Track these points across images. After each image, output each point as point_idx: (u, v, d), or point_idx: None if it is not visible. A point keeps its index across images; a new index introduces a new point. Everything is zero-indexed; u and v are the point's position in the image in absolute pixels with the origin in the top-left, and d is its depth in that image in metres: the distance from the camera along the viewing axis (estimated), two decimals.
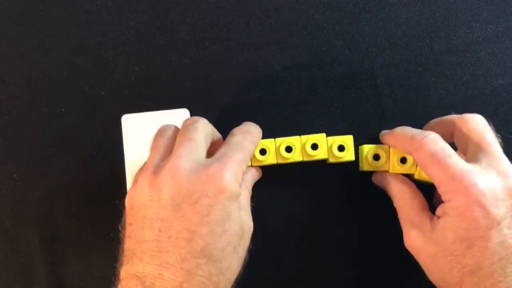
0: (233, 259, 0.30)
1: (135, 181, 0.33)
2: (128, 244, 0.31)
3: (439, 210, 0.32)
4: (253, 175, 0.38)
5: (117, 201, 0.35)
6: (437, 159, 0.31)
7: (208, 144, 0.34)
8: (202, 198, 0.29)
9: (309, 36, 0.42)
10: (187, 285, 0.28)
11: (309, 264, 0.40)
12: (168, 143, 0.34)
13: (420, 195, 0.35)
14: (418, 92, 0.41)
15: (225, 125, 0.39)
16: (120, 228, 0.33)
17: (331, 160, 0.38)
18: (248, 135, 0.34)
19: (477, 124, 0.33)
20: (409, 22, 0.42)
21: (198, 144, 0.32)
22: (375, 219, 0.40)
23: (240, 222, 0.31)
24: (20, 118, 0.42)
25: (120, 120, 0.40)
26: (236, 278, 0.32)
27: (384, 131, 0.39)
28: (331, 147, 0.38)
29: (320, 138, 0.38)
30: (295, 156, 0.38)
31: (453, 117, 0.35)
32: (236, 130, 0.35)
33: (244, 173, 0.34)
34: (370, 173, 0.39)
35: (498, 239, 0.29)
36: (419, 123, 0.40)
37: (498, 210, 0.29)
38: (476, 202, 0.29)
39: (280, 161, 0.38)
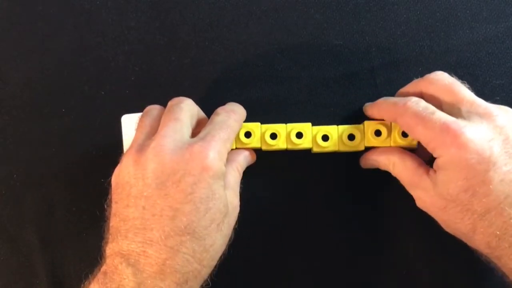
0: (217, 237, 0.30)
1: (121, 160, 0.33)
2: (113, 222, 0.31)
3: (434, 165, 0.32)
4: (246, 158, 0.37)
5: (102, 180, 0.35)
6: (421, 118, 0.32)
7: (194, 124, 0.34)
8: (186, 176, 0.30)
9: (309, 36, 0.42)
10: (171, 261, 0.29)
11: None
12: (153, 123, 0.34)
13: (409, 154, 0.35)
14: None
15: None
16: (105, 206, 0.33)
17: (315, 149, 0.38)
18: (233, 113, 0.35)
19: (441, 80, 0.34)
20: (409, 22, 0.42)
21: (183, 124, 0.32)
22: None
23: (224, 200, 0.31)
24: (20, 118, 0.42)
25: (120, 120, 0.40)
26: (221, 256, 0.32)
27: (367, 104, 0.39)
28: (315, 136, 0.38)
29: (305, 127, 0.38)
30: (280, 144, 0.38)
31: (417, 81, 0.36)
32: (220, 109, 0.35)
33: (236, 154, 0.36)
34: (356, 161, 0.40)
35: (498, 178, 0.29)
36: None
37: (491, 151, 0.30)
38: (467, 150, 0.30)
39: (265, 148, 0.38)
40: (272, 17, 0.42)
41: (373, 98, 0.41)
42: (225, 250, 0.33)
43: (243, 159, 0.37)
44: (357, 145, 0.37)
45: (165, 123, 0.32)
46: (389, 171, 0.36)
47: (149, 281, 0.28)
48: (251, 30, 0.42)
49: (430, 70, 0.41)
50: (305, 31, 0.42)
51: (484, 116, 0.31)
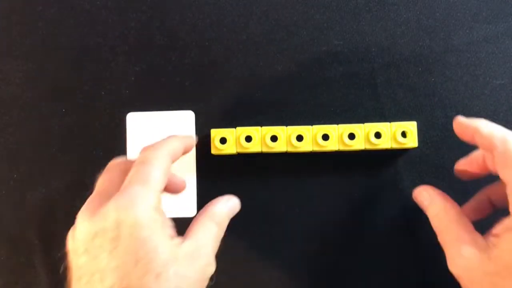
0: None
1: None
2: None
3: (498, 227, 0.29)
4: (229, 208, 0.33)
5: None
6: None
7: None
8: (106, 233, 0.28)
9: (309, 36, 0.42)
10: None
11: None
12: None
13: (465, 217, 0.32)
14: (419, 92, 0.41)
15: (225, 125, 0.40)
16: None
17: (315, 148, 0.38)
18: (151, 149, 0.32)
19: None
20: (409, 22, 0.42)
21: (106, 182, 0.32)
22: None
23: (163, 248, 0.28)
24: (20, 118, 0.42)
25: (120, 119, 0.40)
26: None
27: (460, 119, 0.33)
28: (315, 135, 0.38)
29: (305, 130, 0.38)
30: (280, 146, 0.38)
31: (500, 143, 0.30)
32: (141, 150, 0.32)
33: (213, 205, 0.32)
34: (358, 162, 0.39)
35: None
36: (419, 123, 0.40)
37: None
38: None
39: (265, 150, 0.38)
40: (272, 17, 0.42)
41: (373, 98, 0.41)
42: None
43: (226, 210, 0.33)
44: (356, 144, 0.38)
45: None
46: (435, 217, 0.33)
47: None
48: (251, 30, 0.42)
49: (430, 70, 0.41)
50: (305, 31, 0.42)
51: None
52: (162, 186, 0.30)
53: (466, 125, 0.32)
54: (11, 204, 0.41)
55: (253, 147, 0.38)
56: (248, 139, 0.38)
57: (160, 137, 0.36)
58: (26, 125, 0.42)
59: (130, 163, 0.32)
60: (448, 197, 0.33)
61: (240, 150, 0.39)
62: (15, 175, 0.42)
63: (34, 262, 0.41)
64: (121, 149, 0.41)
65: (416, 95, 0.41)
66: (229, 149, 0.39)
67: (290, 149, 0.38)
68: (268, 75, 0.41)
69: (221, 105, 0.41)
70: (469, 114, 0.40)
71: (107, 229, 0.28)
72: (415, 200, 0.35)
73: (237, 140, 0.39)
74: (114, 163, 0.33)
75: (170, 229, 0.29)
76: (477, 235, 0.30)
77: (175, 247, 0.29)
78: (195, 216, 0.32)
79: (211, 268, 0.30)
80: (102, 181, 0.32)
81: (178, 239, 0.29)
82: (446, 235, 0.31)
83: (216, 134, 0.39)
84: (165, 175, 0.31)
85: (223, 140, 0.39)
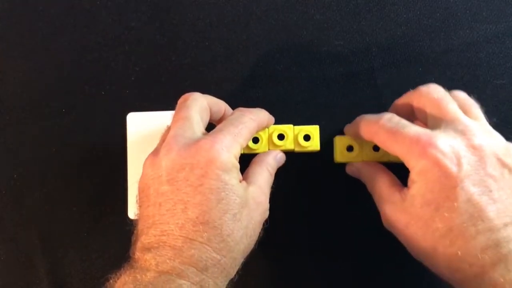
0: (235, 227, 0.30)
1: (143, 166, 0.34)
2: (139, 225, 0.32)
3: (408, 181, 0.32)
4: (275, 158, 0.37)
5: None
6: (393, 133, 0.31)
7: (206, 117, 0.35)
8: (194, 169, 0.30)
9: (309, 36, 0.42)
10: (187, 248, 0.29)
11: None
12: (168, 130, 0.35)
13: (389, 173, 0.35)
14: None
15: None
16: (134, 215, 0.34)
17: (297, 149, 0.39)
18: (248, 113, 0.35)
19: (431, 94, 0.33)
20: (409, 22, 0.42)
21: (192, 121, 0.33)
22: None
23: (238, 191, 0.31)
24: (20, 118, 0.42)
25: (120, 119, 0.40)
26: (246, 250, 0.32)
27: (347, 125, 0.39)
28: (296, 136, 0.38)
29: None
30: (287, 144, 0.38)
31: (410, 93, 0.35)
32: (236, 109, 0.36)
33: (265, 155, 0.37)
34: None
35: (464, 197, 0.28)
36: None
37: (461, 167, 0.29)
38: (435, 162, 0.29)
39: (272, 148, 0.39)
40: (272, 17, 0.42)
41: (373, 98, 0.41)
42: (254, 245, 0.33)
43: (272, 159, 0.37)
44: (355, 157, 0.38)
45: (174, 123, 0.33)
46: (366, 185, 0.37)
47: (167, 261, 0.29)
48: (251, 30, 0.42)
49: (430, 70, 0.41)
50: (305, 31, 0.42)
51: (460, 133, 0.30)
52: (245, 144, 0.34)
53: (350, 129, 0.38)
54: (11, 204, 0.41)
55: (261, 148, 0.39)
56: (255, 140, 0.39)
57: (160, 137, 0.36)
58: (26, 125, 0.42)
59: (212, 102, 0.36)
60: (375, 163, 0.37)
61: (247, 151, 0.39)
62: (15, 175, 0.42)
63: (34, 262, 0.41)
64: (121, 149, 0.41)
65: None
66: (262, 148, 0.39)
67: (298, 149, 0.39)
68: (268, 75, 0.41)
69: None
70: None
71: (196, 165, 0.30)
72: (349, 172, 0.39)
73: (270, 137, 0.39)
74: (192, 99, 0.35)
75: (240, 174, 0.33)
76: (396, 191, 0.32)
77: (245, 191, 0.32)
78: (250, 163, 0.36)
79: (267, 212, 0.34)
80: (181, 118, 0.33)
81: (245, 183, 0.33)
82: (374, 198, 0.35)
83: None
84: (250, 138, 0.35)
85: (255, 140, 0.39)
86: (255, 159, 0.37)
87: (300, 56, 0.42)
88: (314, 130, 0.39)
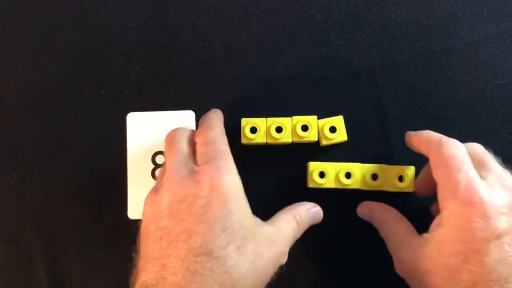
0: (240, 260, 0.29)
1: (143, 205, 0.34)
2: (139, 265, 0.31)
3: (433, 224, 0.31)
4: (307, 210, 0.36)
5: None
6: (451, 162, 0.31)
7: (195, 148, 0.34)
8: (197, 198, 0.30)
9: (309, 36, 0.42)
10: (186, 282, 0.28)
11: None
12: (164, 170, 0.35)
13: (404, 219, 0.35)
14: (419, 92, 0.41)
15: (225, 125, 0.40)
16: (133, 254, 0.33)
17: (324, 142, 0.39)
18: (212, 128, 0.34)
19: (476, 148, 0.33)
20: (409, 22, 0.42)
21: (184, 154, 0.33)
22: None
23: (244, 223, 0.30)
24: (20, 118, 0.42)
25: (120, 119, 0.40)
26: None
27: (410, 132, 0.37)
28: (322, 128, 0.38)
29: (311, 120, 0.38)
30: (285, 137, 0.38)
31: (434, 145, 0.33)
32: (199, 131, 0.35)
33: (299, 206, 0.35)
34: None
35: (497, 255, 0.28)
36: (420, 123, 0.40)
37: (499, 223, 0.28)
38: (476, 211, 0.28)
39: (270, 141, 0.38)
40: (272, 17, 0.42)
41: (373, 98, 0.41)
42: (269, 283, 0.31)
43: (304, 210, 0.35)
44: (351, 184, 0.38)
45: (168, 159, 0.34)
46: (379, 229, 0.36)
47: None
48: (251, 30, 0.42)
49: (430, 70, 0.41)
50: (305, 31, 0.42)
51: (506, 189, 0.30)
52: (230, 153, 0.33)
53: (412, 136, 0.36)
54: (11, 204, 0.41)
55: (259, 138, 0.38)
56: (254, 130, 0.38)
57: (160, 137, 0.36)
58: (26, 125, 0.42)
59: (193, 134, 0.35)
60: (389, 207, 0.36)
61: (270, 141, 0.38)
62: (15, 175, 0.42)
63: (34, 262, 0.41)
64: (121, 149, 0.41)
65: (417, 95, 0.41)
66: (260, 138, 0.38)
67: (296, 140, 0.39)
68: (268, 75, 0.41)
69: (221, 105, 0.40)
70: (469, 114, 0.41)
71: (198, 194, 0.30)
72: (360, 215, 0.38)
73: (268, 130, 0.38)
74: (179, 133, 0.35)
75: (249, 208, 0.32)
76: (414, 237, 0.32)
77: (257, 225, 0.31)
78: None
79: (285, 257, 0.33)
80: (175, 153, 0.33)
81: (260, 220, 0.32)
82: (388, 243, 0.35)
83: (246, 123, 0.39)
84: (227, 142, 0.34)
85: (253, 130, 0.39)
86: (286, 207, 0.35)
87: (300, 56, 0.42)
88: (339, 121, 0.39)
